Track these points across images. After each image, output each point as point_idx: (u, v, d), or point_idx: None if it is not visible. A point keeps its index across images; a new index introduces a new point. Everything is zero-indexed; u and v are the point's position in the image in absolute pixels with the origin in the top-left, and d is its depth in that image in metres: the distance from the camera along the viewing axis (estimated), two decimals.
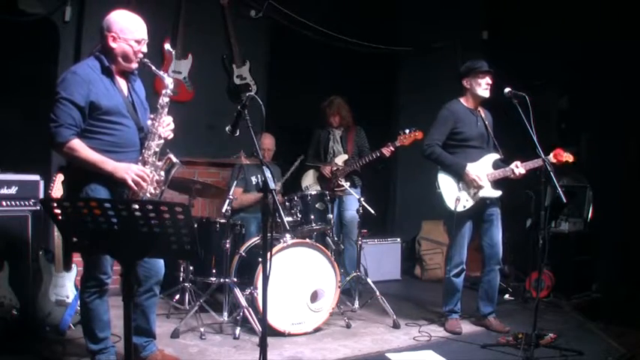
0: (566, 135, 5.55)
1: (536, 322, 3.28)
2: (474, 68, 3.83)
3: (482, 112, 3.96)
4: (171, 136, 2.78)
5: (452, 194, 3.82)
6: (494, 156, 3.86)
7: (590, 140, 5.37)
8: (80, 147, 2.56)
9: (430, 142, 3.86)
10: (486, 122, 3.92)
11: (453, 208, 3.77)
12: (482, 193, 3.79)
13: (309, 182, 4.97)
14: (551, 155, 3.65)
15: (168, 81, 2.76)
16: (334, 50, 5.79)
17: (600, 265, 5.10)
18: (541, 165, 3.54)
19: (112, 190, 2.63)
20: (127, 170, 2.59)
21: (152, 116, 2.74)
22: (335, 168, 4.81)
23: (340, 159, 4.90)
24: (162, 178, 2.71)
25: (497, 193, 3.81)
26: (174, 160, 2.72)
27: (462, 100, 3.93)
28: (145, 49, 2.73)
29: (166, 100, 2.73)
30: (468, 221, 3.86)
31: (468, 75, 3.86)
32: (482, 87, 3.82)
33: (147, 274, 2.82)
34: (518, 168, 3.72)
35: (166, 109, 2.74)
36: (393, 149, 4.55)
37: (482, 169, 3.80)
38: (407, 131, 4.47)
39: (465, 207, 3.80)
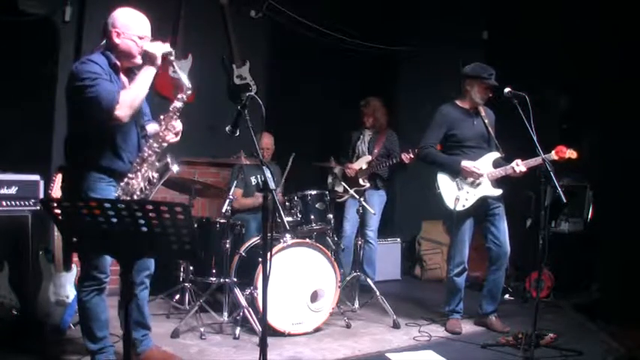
0: (567, 135, 5.54)
1: (536, 322, 3.28)
2: (481, 77, 3.77)
3: (482, 111, 3.91)
4: (176, 139, 2.77)
5: (451, 194, 3.81)
6: (495, 155, 3.84)
7: (591, 140, 5.37)
8: (126, 91, 2.55)
9: (424, 144, 3.88)
10: (486, 121, 3.88)
11: (452, 207, 3.78)
12: (482, 192, 3.78)
13: (333, 179, 5.04)
14: (553, 152, 3.60)
15: (187, 85, 2.69)
16: (334, 50, 5.78)
17: (600, 265, 5.10)
18: (541, 163, 3.50)
19: (111, 190, 2.63)
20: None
21: (162, 117, 2.71)
22: (358, 168, 4.91)
23: (363, 160, 4.95)
24: (154, 180, 2.69)
25: (498, 192, 3.80)
26: (171, 165, 2.70)
27: (458, 101, 3.91)
28: None
29: (179, 105, 2.71)
30: (468, 220, 3.85)
31: (474, 79, 3.80)
32: (482, 96, 3.80)
33: (138, 268, 2.84)
34: (519, 166, 3.67)
35: (178, 114, 2.72)
36: (412, 156, 4.53)
37: (482, 167, 3.79)
38: None
39: (464, 206, 3.79)
